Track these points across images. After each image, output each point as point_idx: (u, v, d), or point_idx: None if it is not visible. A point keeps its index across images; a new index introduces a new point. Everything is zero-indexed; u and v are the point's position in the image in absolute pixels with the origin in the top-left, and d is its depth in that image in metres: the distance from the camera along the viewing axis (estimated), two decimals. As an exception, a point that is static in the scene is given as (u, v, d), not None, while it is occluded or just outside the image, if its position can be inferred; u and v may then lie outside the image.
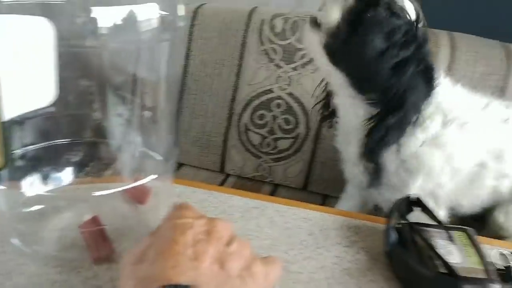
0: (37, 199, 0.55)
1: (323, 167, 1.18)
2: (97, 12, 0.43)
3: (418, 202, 0.64)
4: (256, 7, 1.15)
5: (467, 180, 0.84)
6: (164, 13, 0.47)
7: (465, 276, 0.51)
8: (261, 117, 1.15)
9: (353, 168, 0.90)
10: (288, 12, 1.13)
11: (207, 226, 0.39)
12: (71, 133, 0.58)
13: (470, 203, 0.89)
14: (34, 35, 0.46)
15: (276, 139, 1.17)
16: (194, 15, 1.14)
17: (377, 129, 0.74)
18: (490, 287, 0.51)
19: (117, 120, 0.58)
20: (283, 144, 1.17)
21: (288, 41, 1.10)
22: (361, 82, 0.75)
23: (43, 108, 0.49)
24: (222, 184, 1.21)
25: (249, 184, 1.22)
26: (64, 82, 0.50)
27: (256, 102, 1.14)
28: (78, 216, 0.52)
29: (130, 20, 0.44)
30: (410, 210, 0.65)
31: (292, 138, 1.16)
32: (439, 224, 0.60)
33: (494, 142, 0.83)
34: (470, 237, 0.59)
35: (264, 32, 1.11)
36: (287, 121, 1.14)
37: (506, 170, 0.85)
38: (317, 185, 1.21)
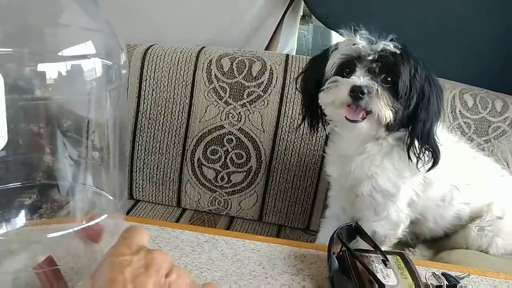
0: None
1: (276, 198, 1.22)
2: (43, 66, 0.46)
3: (358, 229, 0.69)
4: (204, 47, 1.21)
5: (439, 197, 0.93)
6: (107, 62, 0.51)
7: (400, 297, 0.56)
8: (214, 152, 1.19)
9: (340, 190, 0.97)
10: (234, 52, 1.18)
11: (145, 260, 0.41)
12: (23, 176, 0.60)
13: (434, 221, 0.98)
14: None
15: (230, 173, 1.20)
16: (144, 55, 1.18)
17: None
18: (423, 305, 0.56)
19: (67, 162, 0.60)
20: (236, 177, 1.21)
21: (235, 80, 1.15)
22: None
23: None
24: (179, 218, 1.23)
25: (206, 217, 1.25)
26: (13, 127, 0.52)
27: (208, 137, 1.18)
28: (32, 258, 0.54)
29: (76, 72, 0.48)
30: (353, 238, 0.70)
31: (245, 171, 1.20)
32: (377, 250, 0.65)
33: (466, 172, 0.95)
34: (405, 260, 0.64)
35: (212, 71, 1.15)
36: (239, 156, 1.19)
37: (470, 199, 0.96)
38: (272, 216, 1.25)
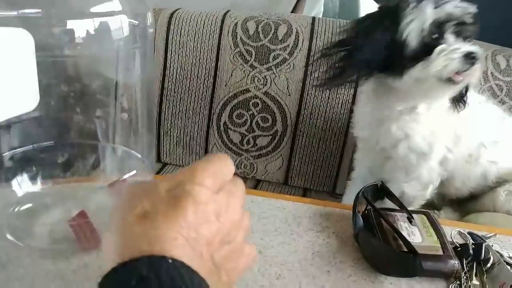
0: (27, 197, 0.58)
1: (302, 161, 1.23)
2: (71, 24, 0.47)
3: (384, 189, 0.69)
4: (229, 10, 1.20)
5: (466, 154, 0.93)
6: (134, 22, 0.52)
7: (424, 253, 0.56)
8: (240, 116, 1.19)
9: (369, 152, 0.98)
10: (259, 15, 1.17)
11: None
12: (56, 135, 0.62)
13: (461, 181, 0.98)
14: (14, 45, 0.49)
15: (256, 137, 1.21)
16: (170, 19, 1.18)
17: None
18: (447, 262, 0.56)
19: (97, 122, 0.61)
20: (262, 141, 1.22)
21: (261, 43, 1.14)
22: None
23: (28, 113, 0.53)
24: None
25: (232, 180, 1.27)
26: (46, 88, 0.54)
27: (234, 101, 1.18)
28: (66, 212, 0.56)
29: (103, 30, 0.49)
30: (378, 197, 0.70)
31: (271, 135, 1.20)
32: (403, 209, 0.65)
33: (493, 130, 0.94)
34: (430, 219, 0.64)
35: (237, 34, 1.15)
36: (264, 119, 1.19)
37: (497, 158, 0.95)
38: (298, 179, 1.26)
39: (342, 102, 1.16)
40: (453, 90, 0.79)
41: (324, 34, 1.14)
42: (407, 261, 0.54)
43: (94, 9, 0.49)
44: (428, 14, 0.75)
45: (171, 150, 1.27)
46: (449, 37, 0.75)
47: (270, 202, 0.68)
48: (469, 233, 0.64)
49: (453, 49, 0.74)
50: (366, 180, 1.01)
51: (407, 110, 0.86)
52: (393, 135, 0.87)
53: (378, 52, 0.79)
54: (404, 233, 0.59)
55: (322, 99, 1.16)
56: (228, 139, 1.22)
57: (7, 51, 0.49)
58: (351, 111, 1.10)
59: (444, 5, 0.75)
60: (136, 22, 0.54)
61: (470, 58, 0.73)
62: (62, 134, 0.63)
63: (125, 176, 0.56)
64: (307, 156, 1.22)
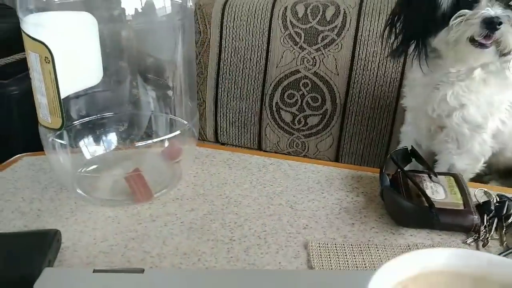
0: (93, 160, 0.68)
1: (352, 140, 1.27)
2: (124, 2, 0.56)
3: (414, 152, 0.72)
4: (279, -5, 1.26)
5: None
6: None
7: (443, 208, 0.60)
8: (290, 96, 1.25)
9: (420, 123, 0.99)
10: (308, -2, 1.23)
11: None
12: (116, 107, 0.72)
13: None
14: (81, 27, 0.59)
15: (306, 116, 1.27)
16: (224, 7, 1.26)
17: None
18: (466, 216, 0.60)
19: (150, 95, 0.71)
20: (312, 120, 1.27)
21: (309, 25, 1.20)
22: None
23: (93, 87, 0.63)
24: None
25: (285, 159, 1.34)
26: (108, 65, 0.64)
27: (285, 82, 1.25)
28: (125, 171, 0.65)
29: (149, 8, 0.57)
30: (408, 161, 0.74)
31: (320, 114, 1.26)
32: (430, 171, 0.68)
33: None
34: (457, 180, 0.67)
35: (287, 17, 1.21)
36: (314, 99, 1.24)
37: None
38: (348, 158, 1.30)
39: (390, 81, 1.19)
40: (486, 55, 0.79)
41: (372, 13, 1.17)
42: (425, 214, 0.58)
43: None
44: None
45: (228, 131, 1.35)
46: (483, 1, 0.76)
47: (306, 166, 0.74)
48: (498, 195, 0.66)
49: (472, 14, 0.75)
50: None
51: (463, 75, 0.86)
52: (447, 103, 0.88)
53: (419, 16, 0.82)
54: (428, 192, 0.63)
55: (370, 77, 1.19)
56: (280, 118, 1.29)
57: (76, 33, 0.59)
58: (401, 85, 1.12)
59: None
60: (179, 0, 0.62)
61: (490, 23, 0.74)
62: (121, 106, 0.73)
63: (170, 135, 0.65)
64: (356, 135, 1.26)
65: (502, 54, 0.80)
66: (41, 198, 0.63)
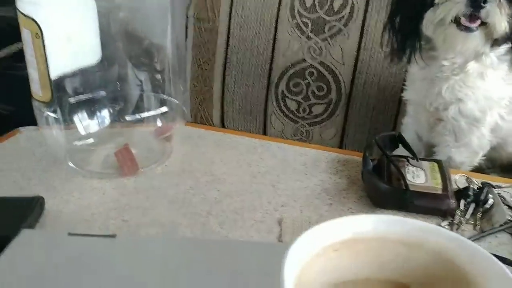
0: (87, 136, 0.71)
1: (356, 130, 1.27)
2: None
3: (400, 138, 0.73)
4: (287, -16, 1.27)
5: None
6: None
7: (420, 191, 0.61)
8: (296, 85, 1.26)
9: (420, 116, 0.99)
10: (316, -13, 1.23)
11: None
12: (112, 86, 0.74)
13: None
14: (81, 8, 0.62)
15: (311, 105, 1.28)
16: (232, -5, 1.28)
17: None
18: (442, 200, 0.60)
19: (142, 75, 0.73)
20: (317, 109, 1.28)
21: (317, 15, 1.20)
22: None
23: (92, 66, 0.66)
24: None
25: (290, 147, 1.35)
26: (104, 45, 0.67)
27: (291, 71, 1.26)
28: (116, 147, 0.68)
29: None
30: (395, 147, 0.74)
31: (325, 103, 1.26)
32: (415, 157, 0.69)
33: None
34: (440, 166, 0.68)
35: (295, 7, 1.22)
36: (320, 88, 1.25)
37: None
38: (352, 147, 1.30)
39: (395, 72, 1.18)
40: (472, 39, 0.78)
41: (380, 4, 1.17)
42: (400, 195, 0.59)
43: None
44: None
45: (234, 117, 1.37)
46: None
47: (295, 149, 0.76)
48: (483, 183, 0.67)
49: None
50: (413, 144, 1.03)
51: (457, 70, 0.85)
52: (444, 97, 0.87)
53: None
54: (409, 176, 0.64)
55: (375, 68, 1.19)
56: (286, 107, 1.30)
57: (69, 11, 0.62)
58: (405, 79, 1.12)
59: None
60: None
61: (474, 1, 0.72)
62: (116, 86, 0.75)
63: (160, 111, 0.67)
64: (360, 126, 1.26)
65: (493, 43, 0.79)
66: (34, 168, 0.67)
